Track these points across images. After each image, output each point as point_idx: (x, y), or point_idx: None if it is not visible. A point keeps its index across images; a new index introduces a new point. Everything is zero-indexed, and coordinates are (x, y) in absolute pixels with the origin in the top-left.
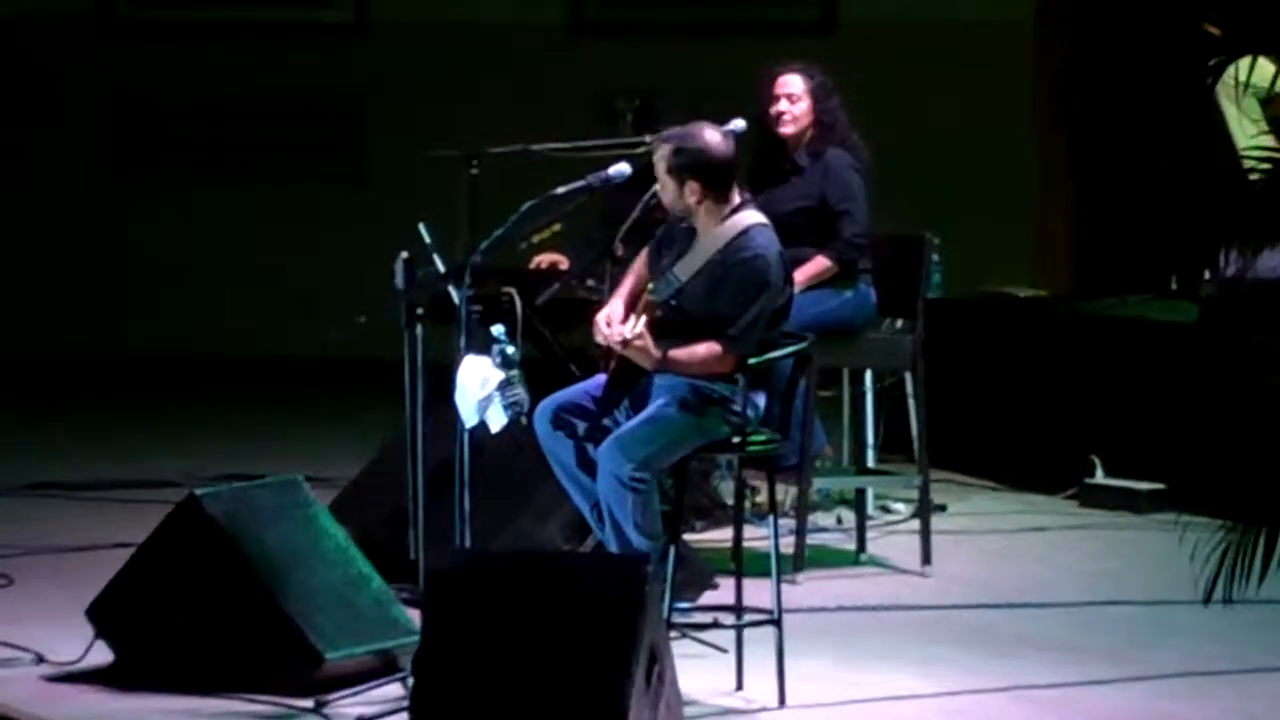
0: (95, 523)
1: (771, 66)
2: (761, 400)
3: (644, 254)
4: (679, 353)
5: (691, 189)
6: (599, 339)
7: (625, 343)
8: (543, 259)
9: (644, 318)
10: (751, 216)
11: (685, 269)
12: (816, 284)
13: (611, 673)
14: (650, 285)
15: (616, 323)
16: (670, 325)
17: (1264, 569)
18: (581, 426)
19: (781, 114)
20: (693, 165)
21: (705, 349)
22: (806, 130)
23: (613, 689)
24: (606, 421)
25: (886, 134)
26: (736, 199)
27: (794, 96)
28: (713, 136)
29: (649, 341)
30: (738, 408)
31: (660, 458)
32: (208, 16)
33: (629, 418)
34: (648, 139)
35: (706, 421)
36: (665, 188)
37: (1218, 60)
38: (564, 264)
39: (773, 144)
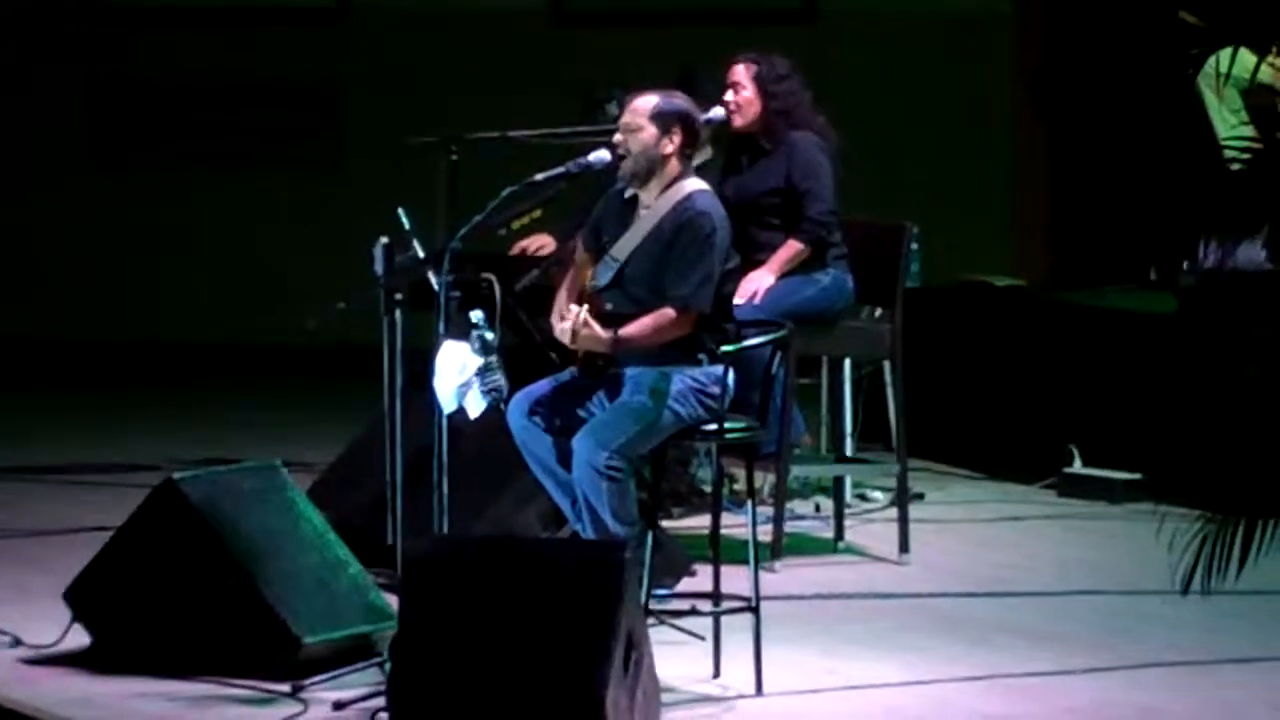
0: (73, 506)
1: (729, 57)
2: (732, 379)
3: (580, 242)
4: (630, 329)
5: (673, 137)
6: (560, 338)
7: (574, 334)
8: (529, 241)
9: (585, 308)
10: (694, 183)
11: (624, 247)
12: (791, 270)
13: (589, 659)
14: (590, 274)
15: (566, 318)
16: (617, 317)
17: (1242, 559)
18: (556, 419)
19: (727, 104)
20: (680, 117)
21: (656, 317)
22: (756, 119)
23: (590, 675)
24: (581, 412)
25: (866, 122)
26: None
27: (739, 85)
28: (691, 106)
29: (595, 327)
30: (714, 392)
31: (634, 445)
32: (188, 3)
33: (604, 408)
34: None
35: (680, 408)
36: (640, 134)
37: (1198, 51)
38: (550, 246)
39: (741, 132)
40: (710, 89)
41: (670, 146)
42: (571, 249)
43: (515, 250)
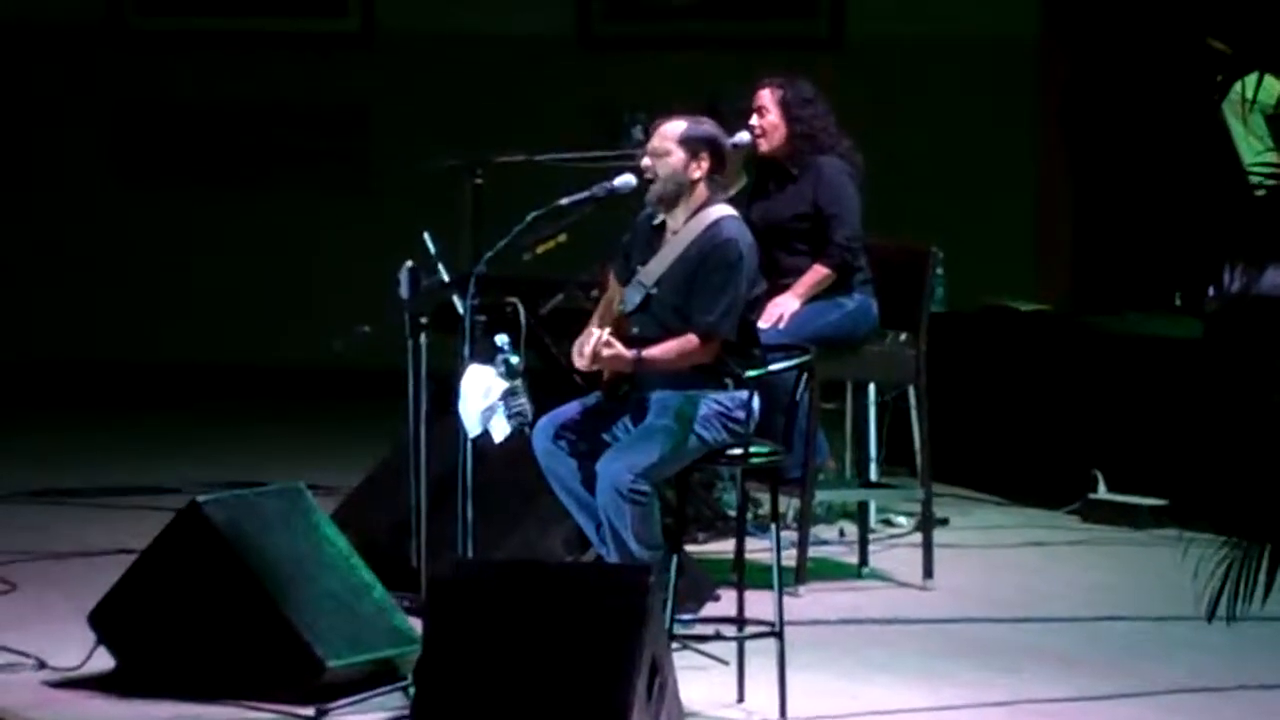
0: (97, 528)
1: (755, 82)
2: (756, 403)
3: (612, 275)
4: (653, 351)
5: (701, 162)
6: (580, 365)
7: (595, 355)
8: None
9: (606, 330)
10: (721, 209)
11: (652, 272)
12: (817, 295)
13: (613, 684)
14: (620, 298)
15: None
16: (643, 340)
17: (1267, 586)
18: (581, 443)
19: (753, 128)
20: (708, 142)
21: (680, 342)
22: (781, 143)
23: (614, 700)
24: (606, 436)
25: (892, 147)
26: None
27: (764, 110)
28: (719, 132)
29: (618, 347)
30: (739, 416)
31: (659, 469)
32: (215, 25)
33: (629, 432)
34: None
35: (705, 432)
36: (668, 159)
37: (1223, 77)
38: None
39: (766, 157)
40: (735, 114)
41: (698, 172)
42: (604, 276)
43: None
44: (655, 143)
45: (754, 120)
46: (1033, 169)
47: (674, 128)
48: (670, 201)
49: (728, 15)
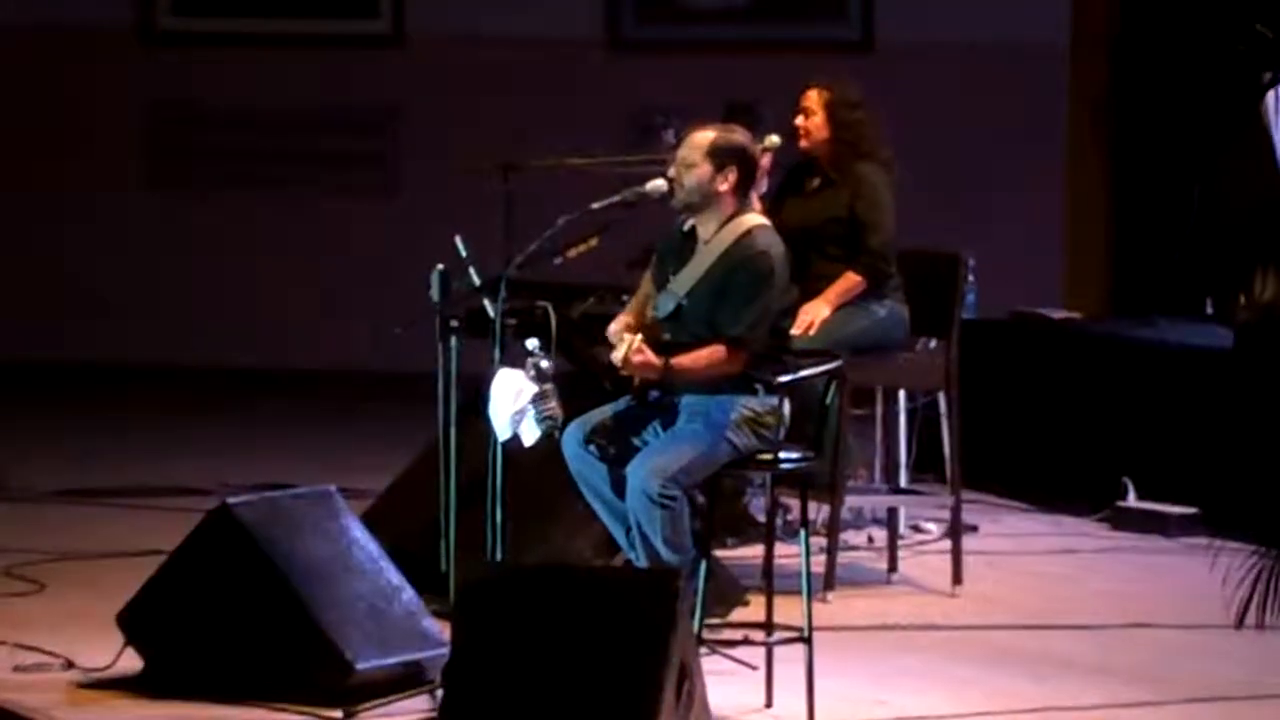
0: (126, 530)
1: (805, 80)
2: (787, 409)
3: (647, 276)
4: (683, 359)
5: (729, 175)
6: (613, 358)
7: (625, 360)
8: None
9: (638, 336)
10: (754, 218)
11: (685, 281)
12: (848, 301)
13: (641, 688)
14: (653, 302)
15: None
16: (673, 347)
17: None
18: (611, 447)
19: (797, 128)
20: (737, 155)
21: (709, 351)
22: (823, 144)
23: (642, 705)
24: (636, 441)
25: (923, 152)
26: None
27: (809, 111)
28: (748, 140)
29: (648, 354)
30: (769, 422)
31: (689, 474)
32: (245, 27)
33: (659, 436)
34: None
35: (735, 438)
36: (695, 170)
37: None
38: None
39: (806, 157)
40: (755, 123)
41: (724, 185)
42: (636, 281)
43: None
44: (683, 152)
45: (799, 120)
46: (1065, 174)
47: (702, 138)
48: (695, 209)
49: (757, 18)
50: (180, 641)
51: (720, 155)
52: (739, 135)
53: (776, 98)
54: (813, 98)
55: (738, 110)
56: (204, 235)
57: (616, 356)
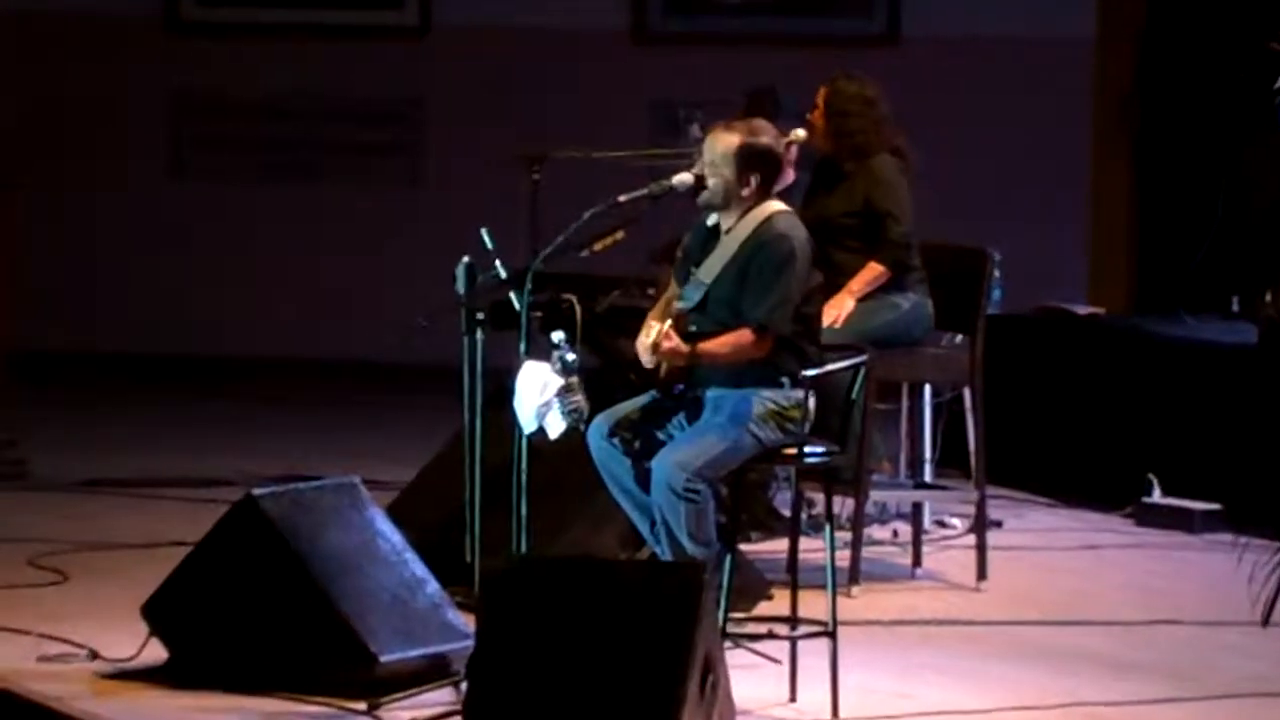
0: (151, 521)
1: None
2: (812, 403)
3: (672, 269)
4: (709, 345)
5: (751, 179)
6: (644, 360)
7: (655, 347)
8: None
9: (668, 322)
10: (775, 205)
11: (710, 270)
12: (871, 294)
13: (665, 681)
14: (680, 294)
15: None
16: (701, 336)
17: None
18: (636, 441)
19: (809, 124)
20: (762, 160)
21: (734, 336)
22: (826, 140)
23: (666, 698)
24: (661, 435)
25: (947, 146)
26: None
27: (816, 106)
28: (773, 138)
29: (676, 340)
30: (794, 416)
31: (714, 467)
32: (271, 18)
33: (684, 429)
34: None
35: (760, 431)
36: (720, 172)
37: None
38: None
39: (824, 153)
40: (777, 111)
41: (747, 189)
42: (665, 276)
43: None
44: (708, 154)
45: (810, 116)
46: (1090, 169)
47: (729, 142)
48: (720, 207)
49: (783, 11)
50: (205, 633)
51: (745, 160)
52: (765, 137)
53: (801, 91)
54: (820, 94)
55: (759, 95)
56: (229, 225)
57: (644, 343)
